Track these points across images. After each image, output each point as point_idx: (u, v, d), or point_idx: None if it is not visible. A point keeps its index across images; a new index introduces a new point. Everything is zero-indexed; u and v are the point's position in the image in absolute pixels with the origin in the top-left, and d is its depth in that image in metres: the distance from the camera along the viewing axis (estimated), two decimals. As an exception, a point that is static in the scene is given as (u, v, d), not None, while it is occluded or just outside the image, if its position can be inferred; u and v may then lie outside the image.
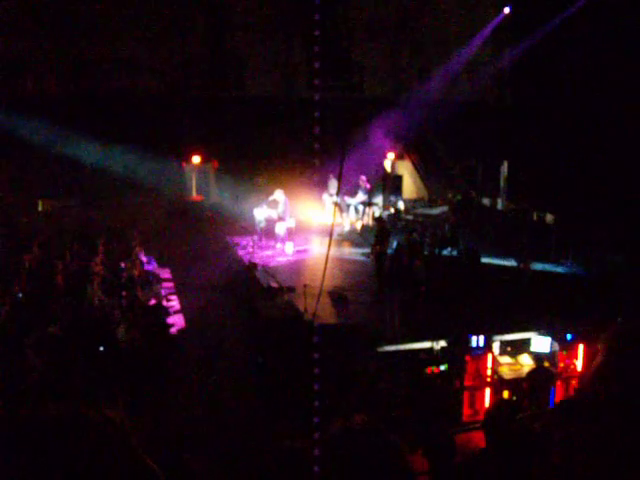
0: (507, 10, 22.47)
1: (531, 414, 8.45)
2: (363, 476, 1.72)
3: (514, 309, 12.28)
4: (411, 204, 20.98)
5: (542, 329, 10.98)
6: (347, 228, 18.27)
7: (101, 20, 21.01)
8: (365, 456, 1.74)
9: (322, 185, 18.66)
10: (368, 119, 20.56)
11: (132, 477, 1.47)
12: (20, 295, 11.53)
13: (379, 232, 14.05)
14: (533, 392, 10.11)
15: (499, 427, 4.39)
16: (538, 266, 15.02)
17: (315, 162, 16.16)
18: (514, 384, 10.33)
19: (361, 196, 18.64)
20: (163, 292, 13.60)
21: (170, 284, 14.32)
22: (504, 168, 19.90)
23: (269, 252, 16.36)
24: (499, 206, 20.16)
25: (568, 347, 10.68)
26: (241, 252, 16.47)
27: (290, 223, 16.84)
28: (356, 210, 18.63)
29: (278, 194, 16.77)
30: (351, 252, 16.63)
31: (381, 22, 23.20)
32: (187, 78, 22.36)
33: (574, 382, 10.53)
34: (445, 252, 15.41)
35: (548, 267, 15.37)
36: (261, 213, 16.83)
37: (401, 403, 9.71)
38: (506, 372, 10.54)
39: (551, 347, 10.72)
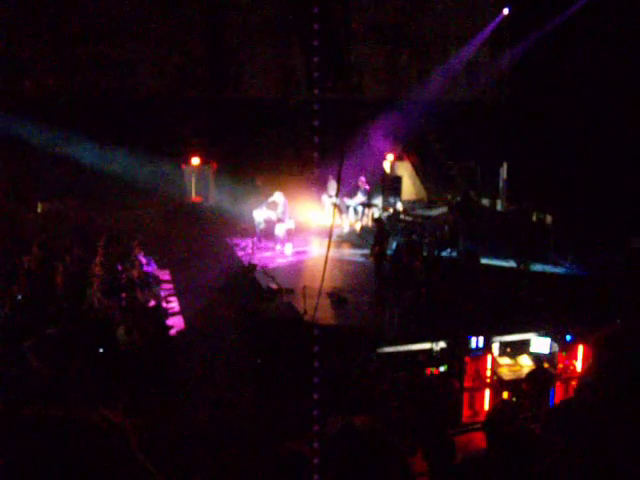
0: (506, 11, 22.48)
1: (531, 415, 8.46)
2: (363, 477, 1.72)
3: (513, 310, 12.28)
4: (410, 205, 20.98)
5: (542, 330, 10.98)
6: (346, 229, 18.27)
7: (100, 21, 21.01)
8: (365, 457, 1.74)
9: (321, 186, 18.66)
10: (367, 120, 20.57)
11: (130, 478, 1.47)
12: (19, 296, 11.52)
13: (378, 233, 14.06)
14: (533, 393, 10.11)
15: (501, 428, 4.39)
16: (538, 267, 15.03)
17: (314, 163, 16.17)
18: (514, 385, 10.33)
19: (360, 197, 18.64)
20: (162, 294, 13.60)
21: (169, 285, 14.33)
22: (503, 169, 19.91)
23: (268, 253, 16.37)
24: (498, 207, 20.16)
25: (568, 348, 10.69)
26: (240, 253, 16.47)
27: (289, 224, 16.85)
28: (355, 211, 18.63)
29: (277, 196, 16.78)
30: (350, 253, 16.63)
31: (380, 23, 23.20)
32: (186, 79, 22.36)
33: (574, 383, 10.53)
34: (444, 253, 15.40)
35: (548, 268, 15.37)
36: (260, 214, 16.84)
37: (400, 404, 9.71)
38: (506, 373, 10.55)
39: (551, 348, 10.72)
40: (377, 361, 10.50)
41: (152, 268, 14.52)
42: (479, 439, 8.76)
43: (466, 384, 10.32)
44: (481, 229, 17.93)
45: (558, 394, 10.36)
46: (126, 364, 9.98)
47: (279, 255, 16.26)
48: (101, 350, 9.98)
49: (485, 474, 4.12)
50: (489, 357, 10.47)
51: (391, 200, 20.35)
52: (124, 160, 19.26)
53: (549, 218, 16.91)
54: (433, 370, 10.38)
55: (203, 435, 8.94)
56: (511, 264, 15.00)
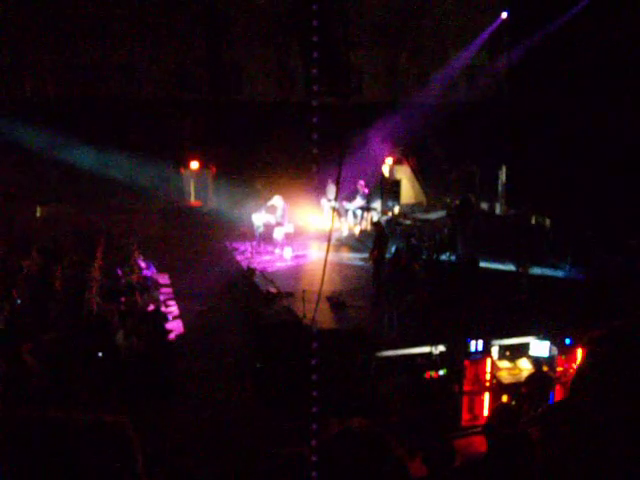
0: (505, 15, 22.51)
1: (530, 418, 8.45)
2: (360, 479, 1.73)
3: (513, 313, 12.28)
4: (409, 209, 20.98)
5: (541, 333, 10.97)
6: (345, 233, 18.26)
7: (100, 25, 21.06)
8: (363, 460, 1.74)
9: (320, 190, 18.67)
10: (366, 124, 20.58)
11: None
12: (19, 301, 11.51)
13: (377, 237, 14.05)
14: (532, 396, 10.10)
15: (501, 432, 4.39)
16: (537, 270, 15.02)
17: (313, 167, 16.18)
18: (513, 389, 10.32)
19: (359, 201, 18.64)
20: (162, 297, 13.60)
21: (169, 289, 14.32)
22: (502, 173, 19.92)
23: (268, 257, 16.37)
24: (497, 211, 20.18)
25: (567, 351, 10.67)
26: (240, 257, 16.47)
27: (288, 228, 16.85)
28: (354, 215, 18.63)
29: (276, 199, 16.78)
30: (349, 257, 16.63)
31: (379, 26, 23.24)
32: (185, 83, 22.39)
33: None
34: (443, 257, 15.40)
35: (547, 271, 15.37)
36: (259, 218, 16.84)
37: (400, 408, 9.70)
38: (505, 377, 10.53)
39: (550, 351, 10.71)
40: (376, 364, 10.50)
41: (151, 272, 14.52)
42: (478, 443, 8.76)
43: (465, 388, 10.31)
44: (480, 233, 17.94)
45: (557, 397, 10.34)
46: (125, 368, 9.97)
47: (278, 259, 16.26)
48: (100, 354, 9.97)
49: (485, 478, 4.11)
50: (488, 361, 10.46)
51: (390, 204, 20.36)
52: (123, 164, 19.29)
53: (548, 221, 16.92)
54: (432, 374, 10.37)
55: (203, 438, 8.93)
56: (510, 267, 15.01)
